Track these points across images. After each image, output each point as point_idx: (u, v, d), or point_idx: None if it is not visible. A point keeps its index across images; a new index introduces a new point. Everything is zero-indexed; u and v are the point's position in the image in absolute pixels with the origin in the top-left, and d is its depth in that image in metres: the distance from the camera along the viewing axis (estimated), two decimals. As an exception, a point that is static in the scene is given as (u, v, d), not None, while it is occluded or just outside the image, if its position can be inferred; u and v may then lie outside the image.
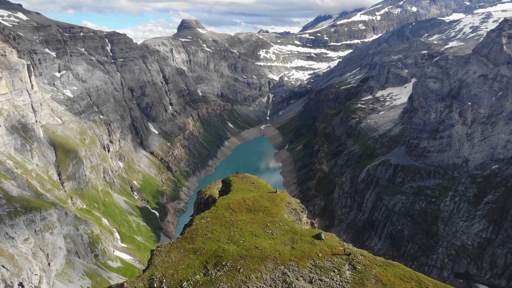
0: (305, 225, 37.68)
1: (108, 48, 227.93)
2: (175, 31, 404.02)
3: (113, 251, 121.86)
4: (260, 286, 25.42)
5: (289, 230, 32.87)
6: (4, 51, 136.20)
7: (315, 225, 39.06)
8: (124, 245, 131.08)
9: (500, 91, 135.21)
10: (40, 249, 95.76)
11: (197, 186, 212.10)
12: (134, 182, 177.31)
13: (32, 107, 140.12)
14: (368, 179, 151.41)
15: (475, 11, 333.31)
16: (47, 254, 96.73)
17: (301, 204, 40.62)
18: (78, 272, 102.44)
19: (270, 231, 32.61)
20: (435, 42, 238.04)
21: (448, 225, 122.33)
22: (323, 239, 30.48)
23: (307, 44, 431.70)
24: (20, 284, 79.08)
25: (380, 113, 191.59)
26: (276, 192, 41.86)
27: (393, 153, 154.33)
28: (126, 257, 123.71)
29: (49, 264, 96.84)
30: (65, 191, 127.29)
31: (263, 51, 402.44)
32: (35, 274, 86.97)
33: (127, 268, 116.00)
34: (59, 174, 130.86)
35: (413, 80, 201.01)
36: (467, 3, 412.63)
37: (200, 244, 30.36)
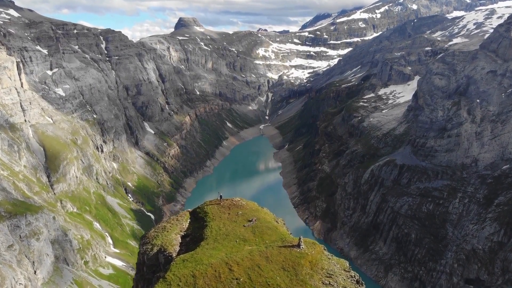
0: None
1: (103, 45, 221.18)
2: (172, 30, 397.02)
3: (105, 257, 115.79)
4: None
5: None
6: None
7: None
8: (117, 251, 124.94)
9: (510, 88, 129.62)
10: (26, 256, 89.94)
11: (195, 188, 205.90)
12: (129, 183, 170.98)
13: (21, 106, 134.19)
14: (372, 180, 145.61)
15: (476, 9, 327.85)
16: (33, 262, 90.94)
17: (354, 275, 20.31)
18: (66, 280, 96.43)
19: None
20: (439, 38, 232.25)
21: (457, 228, 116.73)
22: None
23: (307, 43, 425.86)
24: (2, 295, 73.44)
25: (383, 111, 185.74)
26: (299, 246, 20.72)
27: (398, 152, 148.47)
28: (118, 263, 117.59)
29: (35, 272, 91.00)
30: (54, 193, 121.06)
31: (262, 50, 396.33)
32: (20, 284, 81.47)
33: (119, 275, 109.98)
34: (48, 176, 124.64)
35: (417, 77, 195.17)
36: (468, 1, 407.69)
37: None
